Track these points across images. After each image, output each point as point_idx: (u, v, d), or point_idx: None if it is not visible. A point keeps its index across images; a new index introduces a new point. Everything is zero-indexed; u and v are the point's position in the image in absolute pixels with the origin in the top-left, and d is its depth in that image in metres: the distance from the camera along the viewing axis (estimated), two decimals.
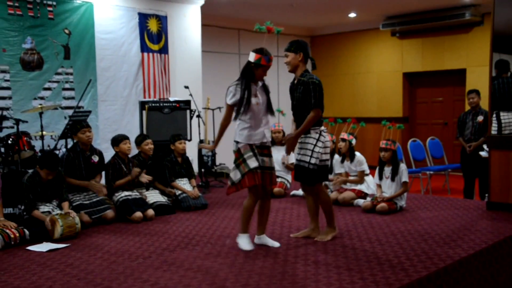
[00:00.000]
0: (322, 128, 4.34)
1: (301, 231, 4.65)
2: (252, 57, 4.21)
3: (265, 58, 4.20)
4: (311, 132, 4.31)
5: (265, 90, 4.30)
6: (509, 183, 5.58)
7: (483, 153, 6.85)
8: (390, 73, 10.89)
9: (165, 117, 6.95)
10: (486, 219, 5.27)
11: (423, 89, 10.77)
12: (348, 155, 6.29)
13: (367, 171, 6.28)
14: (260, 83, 4.28)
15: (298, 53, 4.32)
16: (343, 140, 6.27)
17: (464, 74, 9.92)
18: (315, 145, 4.31)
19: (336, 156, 6.70)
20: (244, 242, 4.25)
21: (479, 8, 9.42)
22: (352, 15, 10.20)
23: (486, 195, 6.21)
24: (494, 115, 5.74)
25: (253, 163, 4.15)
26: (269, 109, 4.29)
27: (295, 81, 4.39)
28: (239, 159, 4.20)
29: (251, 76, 4.20)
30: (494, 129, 5.74)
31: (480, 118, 7.21)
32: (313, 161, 4.29)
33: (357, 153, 6.32)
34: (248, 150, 4.19)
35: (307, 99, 4.24)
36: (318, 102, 4.22)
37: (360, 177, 6.20)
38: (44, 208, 4.85)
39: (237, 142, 4.24)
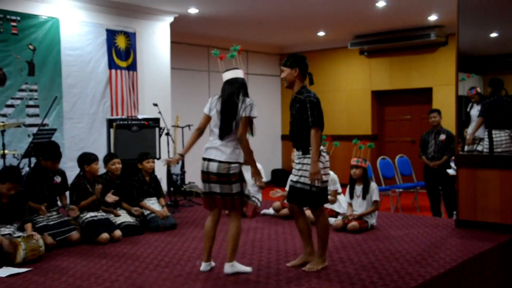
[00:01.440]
0: (321, 148, 4.14)
1: (297, 258, 4.36)
2: (240, 73, 4.19)
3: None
4: (310, 152, 4.09)
5: None
6: (477, 201, 5.67)
7: (450, 171, 6.98)
8: (359, 91, 11.03)
9: (133, 135, 6.87)
10: (455, 237, 5.33)
11: (391, 107, 10.94)
12: None
13: (340, 190, 6.30)
14: None
15: (294, 68, 4.16)
16: None
17: (430, 93, 10.12)
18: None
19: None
20: (240, 266, 4.11)
21: (444, 29, 9.67)
22: (321, 33, 10.32)
23: (454, 212, 6.31)
24: (486, 134, 5.82)
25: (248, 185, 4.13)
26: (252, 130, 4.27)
27: (292, 98, 4.24)
28: (241, 181, 4.06)
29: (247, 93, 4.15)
30: (486, 148, 5.81)
31: (443, 137, 7.38)
32: (316, 183, 4.08)
33: (331, 172, 6.35)
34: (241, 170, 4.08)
35: (303, 118, 4.08)
36: (317, 120, 4.04)
37: (334, 196, 6.22)
38: (4, 230, 4.68)
39: (240, 164, 4.04)
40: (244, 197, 4.11)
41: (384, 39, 10.14)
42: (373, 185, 5.88)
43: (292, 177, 4.23)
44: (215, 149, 4.04)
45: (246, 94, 4.10)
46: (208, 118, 4.17)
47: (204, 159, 4.07)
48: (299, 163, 4.16)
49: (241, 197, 4.08)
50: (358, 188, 5.89)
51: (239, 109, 4.02)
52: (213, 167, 4.02)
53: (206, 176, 4.07)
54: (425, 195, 8.30)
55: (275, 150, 12.03)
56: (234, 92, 4.07)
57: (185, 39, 9.96)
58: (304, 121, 4.08)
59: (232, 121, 4.02)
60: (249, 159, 4.04)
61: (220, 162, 4.00)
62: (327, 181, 4.19)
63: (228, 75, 4.18)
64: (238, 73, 4.17)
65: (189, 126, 8.48)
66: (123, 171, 5.95)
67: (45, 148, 5.06)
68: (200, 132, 4.24)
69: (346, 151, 9.98)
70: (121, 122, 6.84)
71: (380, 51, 10.60)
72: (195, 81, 10.24)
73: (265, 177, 6.79)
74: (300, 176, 4.14)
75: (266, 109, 11.62)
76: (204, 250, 4.23)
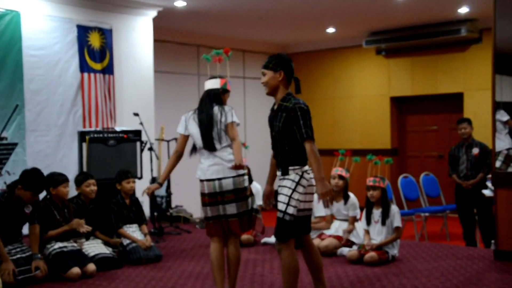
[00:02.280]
0: (306, 168, 4.07)
1: None
2: (217, 83, 4.47)
3: (229, 82, 4.47)
4: (290, 173, 4.06)
5: None
6: None
7: (487, 192, 6.94)
8: (375, 97, 11.04)
9: (110, 151, 6.87)
10: (494, 271, 5.30)
11: (414, 116, 10.94)
12: (341, 195, 6.32)
13: (358, 216, 6.30)
14: None
15: (278, 71, 4.14)
16: (340, 177, 6.31)
17: (461, 99, 10.13)
18: (293, 189, 4.02)
19: (316, 196, 6.68)
20: None
21: (477, 23, 9.70)
22: (331, 30, 10.36)
23: (492, 241, 6.28)
24: None
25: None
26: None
27: (275, 107, 4.21)
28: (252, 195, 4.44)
29: (222, 103, 4.47)
30: None
31: (476, 151, 7.33)
32: (290, 210, 4.00)
33: (351, 194, 6.35)
34: None
35: (291, 130, 4.04)
36: (311, 132, 4.01)
37: (352, 223, 6.22)
38: None
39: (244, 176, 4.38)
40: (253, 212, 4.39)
41: (405, 36, 10.17)
42: (394, 208, 5.89)
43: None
44: (220, 166, 4.29)
45: (220, 104, 4.45)
46: (185, 138, 4.53)
47: (211, 180, 4.30)
48: (279, 185, 4.13)
49: (255, 213, 4.37)
50: (376, 213, 5.89)
51: (219, 118, 4.34)
52: (229, 184, 4.27)
53: (220, 197, 4.30)
54: (457, 220, 8.26)
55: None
56: (207, 103, 4.45)
57: (170, 37, 9.98)
58: (290, 133, 4.04)
59: (216, 130, 4.35)
60: (236, 156, 4.29)
61: (234, 177, 4.26)
62: (308, 209, 4.09)
63: (207, 85, 4.55)
64: (215, 84, 4.49)
65: (175, 139, 8.44)
66: (98, 193, 5.93)
67: (28, 176, 5.05)
68: (178, 155, 4.56)
69: (360, 168, 9.97)
70: (95, 135, 6.83)
71: (400, 50, 10.63)
72: (183, 86, 10.24)
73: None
74: (278, 201, 4.09)
75: (263, 119, 11.64)
76: (216, 285, 4.28)
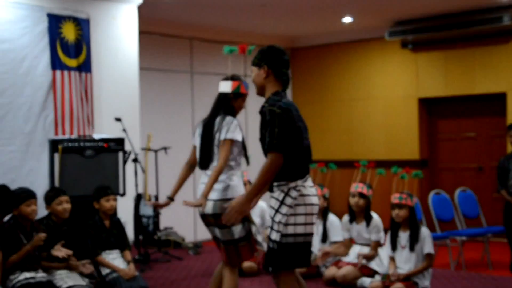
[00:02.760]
0: (295, 183, 3.97)
1: None
2: (228, 86, 4.67)
3: (244, 84, 4.67)
4: (274, 190, 4.01)
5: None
6: None
7: None
8: (401, 99, 11.02)
9: (87, 163, 6.87)
10: None
11: (447, 121, 10.92)
12: (363, 215, 6.31)
13: (383, 240, 6.29)
14: None
15: (262, 66, 4.10)
16: (361, 195, 6.30)
17: (503, 100, 10.12)
18: (276, 210, 3.96)
19: (333, 217, 6.67)
20: None
21: None
22: (347, 19, 10.35)
23: None
24: None
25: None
26: (245, 156, 4.84)
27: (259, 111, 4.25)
28: (245, 220, 4.58)
29: (233, 111, 4.69)
30: None
31: None
32: (273, 235, 3.95)
33: (374, 215, 6.35)
34: None
35: (265, 138, 3.99)
36: (277, 142, 3.87)
37: (375, 248, 6.20)
38: None
39: (225, 201, 4.52)
40: (252, 241, 4.47)
41: (437, 26, 10.16)
42: (424, 231, 5.88)
43: None
44: (205, 185, 4.53)
45: (228, 112, 4.66)
46: (195, 148, 4.82)
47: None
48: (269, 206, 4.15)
49: (250, 242, 4.41)
50: (403, 236, 5.89)
51: (215, 132, 4.57)
52: (209, 207, 4.49)
53: (205, 219, 4.62)
54: (502, 245, 8.24)
55: None
56: (214, 110, 4.69)
57: (159, 28, 9.98)
58: (265, 140, 3.99)
59: (211, 146, 4.59)
60: (206, 189, 4.44)
61: (215, 200, 4.44)
62: (301, 235, 3.96)
63: (219, 87, 4.77)
64: (225, 87, 4.71)
65: (165, 148, 8.46)
66: (73, 213, 5.91)
67: None
68: (190, 166, 4.83)
69: (383, 183, 9.95)
70: (69, 144, 6.81)
71: (430, 43, 10.62)
72: (173, 86, 10.24)
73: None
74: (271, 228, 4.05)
75: None
76: None
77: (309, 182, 4.04)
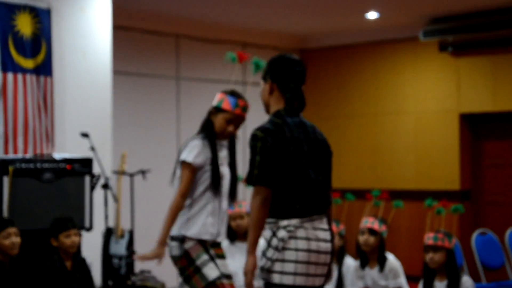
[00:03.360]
0: (287, 222, 3.97)
1: None
2: (215, 98, 4.88)
3: (230, 99, 4.75)
4: (265, 227, 4.06)
5: (232, 160, 5.00)
6: None
7: None
8: (437, 114, 11.03)
9: (45, 189, 6.86)
10: None
11: (496, 142, 10.91)
12: (375, 257, 6.28)
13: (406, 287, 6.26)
14: (223, 143, 4.95)
15: (267, 80, 4.27)
16: (372, 232, 6.28)
17: None
18: (263, 253, 4.02)
19: (350, 261, 6.64)
20: None
21: None
22: (372, 14, 10.39)
23: None
24: None
25: (211, 271, 4.60)
26: (232, 190, 4.94)
27: None
28: (189, 267, 4.61)
29: (209, 126, 4.84)
30: None
31: None
32: (255, 284, 4.08)
33: (390, 256, 6.32)
34: (201, 252, 4.63)
35: None
36: (259, 173, 3.95)
37: None
38: None
39: (181, 240, 4.65)
40: None
41: (483, 24, 10.18)
42: (467, 281, 5.90)
43: None
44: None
45: (203, 129, 4.86)
46: None
47: None
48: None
49: None
50: (440, 286, 5.87)
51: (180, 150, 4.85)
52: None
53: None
54: None
55: None
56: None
57: (137, 23, 10.02)
58: None
59: (175, 168, 4.86)
60: (164, 224, 4.64)
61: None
62: (292, 287, 3.96)
63: None
64: (215, 98, 4.90)
65: (143, 172, 8.43)
66: (25, 251, 5.91)
67: None
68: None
69: (414, 219, 9.91)
70: (22, 165, 6.79)
71: (475, 45, 10.64)
72: (154, 95, 10.25)
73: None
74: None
75: None
76: None
77: (317, 223, 4.04)
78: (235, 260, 6.63)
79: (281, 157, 3.98)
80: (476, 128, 11.01)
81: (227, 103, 4.77)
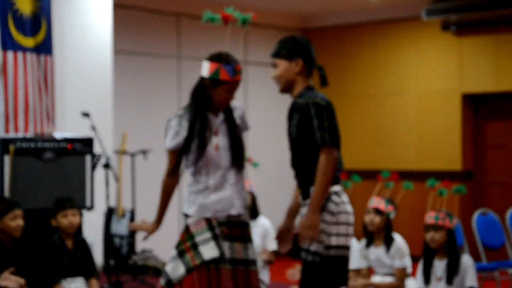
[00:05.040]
0: (336, 188, 4.31)
1: None
2: (205, 68, 4.47)
3: (227, 68, 4.41)
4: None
5: (231, 126, 4.57)
6: None
7: None
8: (440, 94, 11.01)
9: (46, 168, 6.87)
10: None
11: (498, 123, 10.89)
12: (382, 237, 6.30)
13: (410, 269, 6.29)
14: (221, 115, 4.56)
15: (295, 59, 4.41)
16: (377, 211, 6.29)
17: None
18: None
19: (352, 241, 6.65)
20: None
21: None
22: None
23: None
24: None
25: (210, 251, 4.38)
26: (235, 159, 4.52)
27: (290, 107, 4.51)
28: (186, 242, 4.43)
29: (206, 100, 4.48)
30: None
31: None
32: (313, 247, 4.24)
33: (397, 236, 6.33)
34: (203, 229, 4.45)
35: (305, 134, 4.32)
36: (331, 136, 4.25)
37: (400, 279, 6.17)
38: None
39: (185, 216, 4.50)
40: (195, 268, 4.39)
41: (487, 3, 10.13)
42: (466, 260, 5.87)
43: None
44: None
45: (199, 106, 4.52)
46: None
47: None
48: (302, 215, 4.38)
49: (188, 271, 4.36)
50: (439, 265, 5.88)
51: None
52: None
53: None
54: None
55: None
56: (189, 102, 4.62)
57: (138, 2, 9.98)
58: (308, 139, 4.31)
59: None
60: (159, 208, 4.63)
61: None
62: (342, 246, 4.29)
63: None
64: (203, 70, 4.55)
65: (144, 152, 8.44)
66: (26, 231, 5.88)
67: None
68: None
69: (416, 199, 9.93)
70: (23, 145, 6.78)
71: (478, 25, 10.60)
72: (156, 74, 10.23)
73: (271, 243, 6.72)
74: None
75: (277, 121, 11.60)
76: None
77: (341, 187, 4.38)
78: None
79: (336, 126, 4.32)
80: (478, 108, 10.99)
81: (225, 73, 4.43)
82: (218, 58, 4.44)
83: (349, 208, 4.35)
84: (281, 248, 4.62)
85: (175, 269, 4.35)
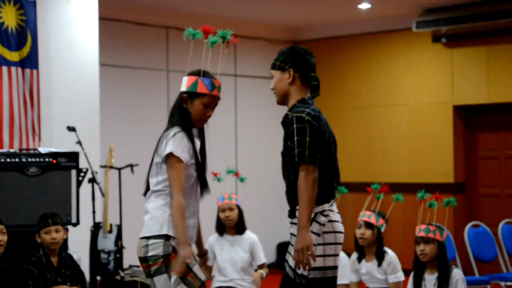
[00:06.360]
0: (323, 207, 4.27)
1: None
2: (184, 83, 4.44)
3: (205, 82, 4.38)
4: (297, 215, 4.24)
5: (203, 146, 4.54)
6: None
7: None
8: (431, 106, 11.01)
9: (31, 183, 6.82)
10: None
11: (490, 134, 10.90)
12: (373, 251, 6.29)
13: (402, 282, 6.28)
14: (194, 132, 4.49)
15: (287, 70, 4.41)
16: (368, 225, 6.28)
17: None
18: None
19: (341, 255, 6.63)
20: None
21: None
22: (365, 5, 10.37)
23: None
24: None
25: (201, 271, 4.35)
26: (200, 180, 4.44)
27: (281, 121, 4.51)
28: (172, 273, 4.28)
29: (185, 116, 4.39)
30: None
31: None
32: (300, 270, 4.19)
33: (389, 250, 6.31)
34: None
35: (289, 151, 4.29)
36: (310, 154, 4.16)
37: None
38: None
39: (166, 238, 4.28)
40: None
41: (477, 15, 10.15)
42: (457, 273, 5.85)
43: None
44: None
45: (179, 119, 4.40)
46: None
47: None
48: (291, 234, 4.35)
49: None
50: (430, 279, 5.86)
51: (157, 146, 4.40)
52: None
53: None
54: None
55: (284, 207, 11.93)
56: (169, 117, 4.50)
57: (126, 15, 9.99)
58: (290, 153, 4.27)
59: (151, 164, 4.45)
60: (179, 227, 4.22)
61: (140, 238, 4.36)
62: (330, 268, 4.29)
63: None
64: (182, 83, 4.48)
65: (131, 166, 8.42)
66: (10, 247, 5.87)
67: None
68: None
69: (408, 212, 9.91)
70: (7, 160, 6.74)
71: (469, 36, 10.62)
72: (144, 88, 10.23)
73: (268, 257, 6.70)
74: (288, 253, 4.32)
75: (267, 135, 11.59)
76: None
77: (334, 206, 4.36)
78: (223, 253, 6.64)
79: (321, 142, 4.26)
80: (470, 120, 11.01)
81: (203, 86, 4.37)
82: (196, 73, 4.42)
83: (338, 226, 4.32)
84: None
85: None
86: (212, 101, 4.40)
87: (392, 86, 11.35)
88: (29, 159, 6.86)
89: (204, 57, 4.47)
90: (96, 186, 7.45)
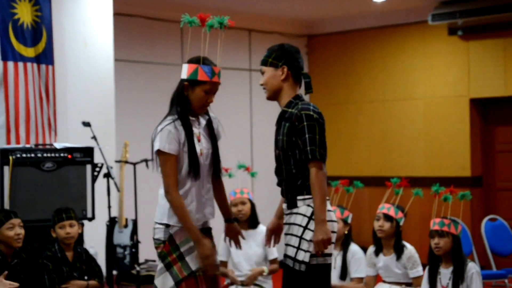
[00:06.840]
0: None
1: None
2: (184, 71, 4.54)
3: (205, 69, 4.49)
4: (299, 204, 4.45)
5: (212, 133, 4.63)
6: None
7: None
8: (447, 100, 10.98)
9: (46, 178, 6.86)
10: None
11: (508, 128, 10.87)
12: (392, 244, 6.28)
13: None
14: (202, 119, 4.60)
15: (280, 66, 4.55)
16: (387, 217, 6.27)
17: None
18: (305, 227, 4.41)
19: (355, 248, 6.64)
20: None
21: None
22: None
23: None
24: None
25: (196, 260, 4.44)
26: (216, 168, 4.63)
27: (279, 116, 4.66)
28: (172, 253, 4.46)
29: (185, 103, 4.52)
30: None
31: None
32: (300, 256, 4.36)
33: (407, 244, 6.31)
34: (187, 238, 4.46)
35: (293, 145, 4.48)
36: (320, 152, 4.39)
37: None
38: None
39: (166, 226, 4.48)
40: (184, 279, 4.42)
41: (494, 6, 10.10)
42: (472, 267, 5.84)
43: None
44: None
45: (179, 107, 4.53)
46: None
47: None
48: (286, 224, 4.53)
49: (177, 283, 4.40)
50: (445, 273, 5.85)
51: (152, 138, 4.57)
52: None
53: None
54: None
55: None
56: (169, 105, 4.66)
57: (140, 10, 10.00)
58: (293, 148, 4.47)
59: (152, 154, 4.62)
60: (185, 225, 4.43)
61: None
62: (328, 255, 4.45)
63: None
64: (183, 71, 4.59)
65: (146, 161, 8.44)
66: (27, 242, 5.90)
67: None
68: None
69: (424, 206, 9.86)
70: (23, 155, 6.78)
71: (486, 28, 10.57)
72: (158, 83, 10.23)
73: (280, 251, 6.70)
74: (287, 244, 4.46)
75: None
76: None
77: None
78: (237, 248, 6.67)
79: (325, 140, 4.46)
80: (487, 113, 10.97)
81: (203, 73, 4.50)
82: (196, 60, 4.53)
83: (333, 215, 4.49)
84: (267, 244, 4.82)
85: (164, 283, 4.42)
86: (213, 88, 4.52)
87: (408, 80, 11.32)
88: (45, 154, 6.90)
89: (202, 47, 4.60)
90: (111, 181, 7.50)
